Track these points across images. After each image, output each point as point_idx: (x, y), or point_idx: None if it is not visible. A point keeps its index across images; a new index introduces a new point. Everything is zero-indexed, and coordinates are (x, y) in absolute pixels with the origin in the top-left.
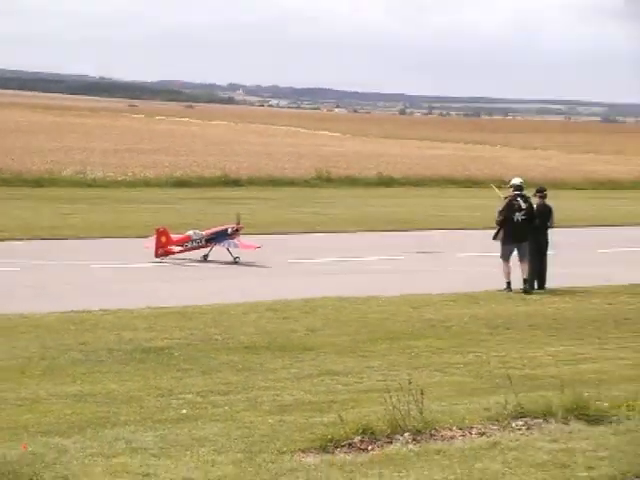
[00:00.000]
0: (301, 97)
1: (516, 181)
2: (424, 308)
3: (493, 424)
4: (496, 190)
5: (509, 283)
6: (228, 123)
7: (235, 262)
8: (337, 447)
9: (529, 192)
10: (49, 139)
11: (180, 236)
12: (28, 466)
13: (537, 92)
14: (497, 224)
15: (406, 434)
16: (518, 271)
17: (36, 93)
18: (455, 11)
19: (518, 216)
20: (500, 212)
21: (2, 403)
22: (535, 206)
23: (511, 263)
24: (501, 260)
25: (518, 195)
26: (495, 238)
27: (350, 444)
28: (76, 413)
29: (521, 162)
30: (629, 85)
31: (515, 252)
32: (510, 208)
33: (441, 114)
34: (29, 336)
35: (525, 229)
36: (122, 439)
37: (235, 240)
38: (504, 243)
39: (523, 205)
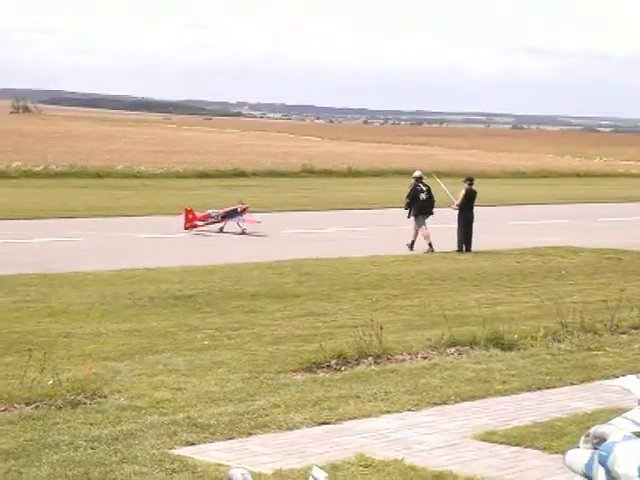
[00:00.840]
0: (291, 111)
1: (417, 173)
2: (382, 266)
3: (433, 350)
4: (446, 190)
5: (430, 244)
6: (237, 131)
7: (243, 233)
8: (319, 368)
9: (459, 180)
10: (106, 143)
11: (202, 214)
12: (92, 383)
13: (464, 106)
14: (406, 205)
15: (369, 358)
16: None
17: (97, 109)
18: (405, 50)
19: (422, 196)
20: (408, 196)
21: (72, 337)
22: (465, 191)
23: (423, 229)
24: (417, 228)
25: (420, 182)
26: (409, 216)
27: (328, 366)
28: (127, 344)
29: (452, 158)
30: (531, 101)
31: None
32: (416, 191)
33: (394, 123)
34: (92, 287)
35: (429, 204)
36: (160, 363)
37: (243, 216)
38: (417, 216)
39: (424, 188)
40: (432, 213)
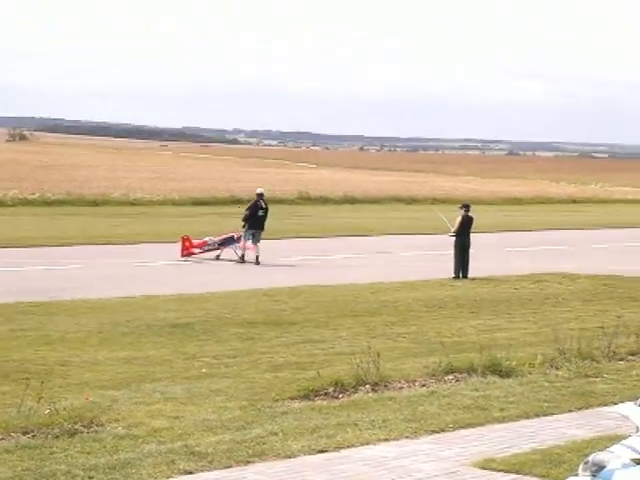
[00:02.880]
0: (287, 138)
1: (259, 190)
2: (379, 293)
3: (431, 378)
4: (443, 218)
5: (243, 256)
6: (233, 158)
7: (240, 261)
8: (316, 395)
9: (455, 207)
10: (102, 171)
11: (199, 241)
12: (89, 412)
13: (460, 133)
14: (245, 218)
15: (367, 386)
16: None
17: (94, 137)
18: (400, 76)
19: (260, 212)
20: (247, 209)
21: (69, 365)
22: (461, 217)
23: (249, 242)
24: (244, 239)
25: (261, 199)
26: (244, 226)
27: (326, 393)
28: (124, 372)
29: (448, 185)
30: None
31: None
32: (255, 207)
33: (390, 150)
34: (89, 315)
35: (263, 221)
36: (158, 391)
37: (240, 244)
38: (248, 229)
39: (263, 205)
40: (263, 229)
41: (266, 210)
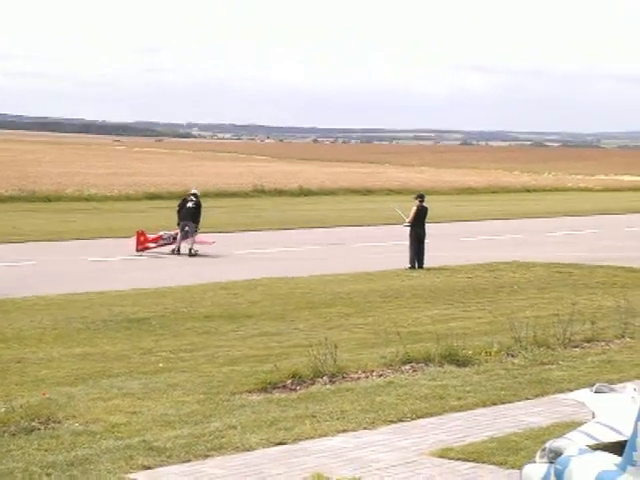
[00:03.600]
0: (240, 131)
1: (193, 191)
2: (335, 284)
3: (388, 368)
4: (397, 210)
5: (178, 249)
6: (187, 152)
7: (195, 254)
8: (274, 388)
9: (410, 198)
10: (56, 166)
11: (154, 236)
12: (46, 409)
13: (413, 123)
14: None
15: (325, 377)
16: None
17: (46, 133)
18: (352, 67)
19: (189, 204)
20: (179, 204)
21: (25, 362)
22: (416, 208)
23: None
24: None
25: (192, 194)
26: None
27: (284, 386)
28: (80, 368)
29: (402, 175)
30: (480, 118)
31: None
32: (183, 200)
33: (344, 142)
34: (43, 312)
35: (193, 213)
36: (115, 387)
37: (195, 238)
38: (179, 222)
39: (194, 199)
40: (194, 222)
41: (197, 203)
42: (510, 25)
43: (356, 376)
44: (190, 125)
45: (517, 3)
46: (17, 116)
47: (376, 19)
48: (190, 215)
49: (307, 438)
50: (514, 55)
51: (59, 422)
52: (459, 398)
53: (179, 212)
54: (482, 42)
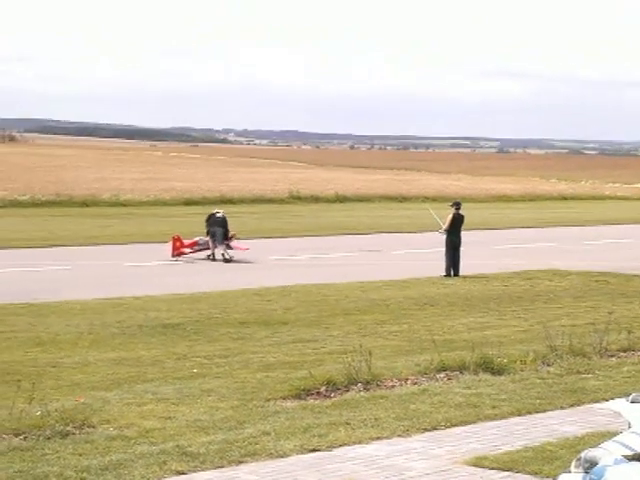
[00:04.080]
0: (277, 137)
1: (217, 211)
2: (370, 291)
3: (422, 376)
4: (434, 215)
5: (212, 255)
6: (224, 158)
7: (230, 260)
8: (308, 395)
9: (446, 205)
10: (92, 172)
11: (190, 241)
12: (81, 413)
13: (450, 131)
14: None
15: (359, 384)
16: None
17: (84, 138)
18: (388, 74)
19: (218, 215)
20: (207, 216)
21: (61, 367)
22: (452, 215)
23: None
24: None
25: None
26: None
27: (318, 392)
28: (115, 373)
29: (438, 183)
30: (516, 125)
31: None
32: (211, 214)
33: (380, 148)
34: (79, 317)
35: (221, 222)
36: (149, 392)
37: (231, 243)
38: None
39: (220, 211)
40: (223, 228)
41: (224, 218)
42: (543, 29)
43: (390, 383)
44: (226, 131)
45: (552, 7)
46: (54, 120)
47: (410, 26)
48: (218, 223)
49: (341, 445)
50: (548, 60)
51: (94, 426)
52: (494, 407)
53: (207, 221)
54: (514, 47)
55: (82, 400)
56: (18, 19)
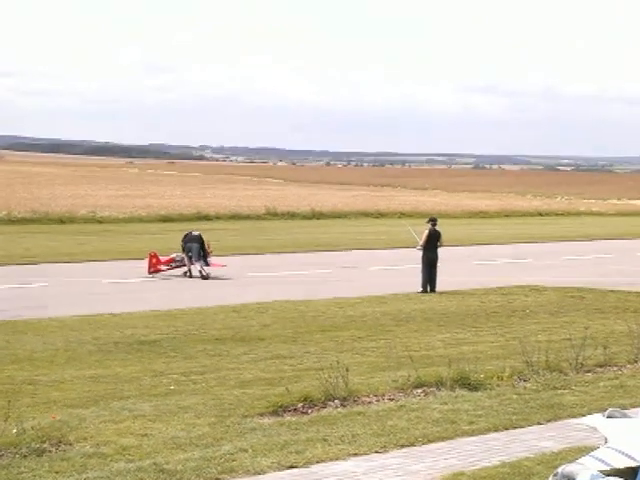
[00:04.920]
0: (253, 154)
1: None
2: (346, 307)
3: (399, 392)
4: (411, 231)
5: (188, 272)
6: (200, 175)
7: (207, 277)
8: (285, 411)
9: (422, 221)
10: (69, 189)
11: (166, 258)
12: (57, 430)
13: (425, 147)
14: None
15: (336, 401)
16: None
17: (60, 155)
18: (363, 90)
19: (194, 233)
20: (184, 235)
21: (37, 384)
22: (428, 231)
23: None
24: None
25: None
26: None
27: (295, 409)
28: (92, 390)
29: (415, 199)
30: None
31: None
32: (188, 232)
33: (356, 165)
34: (56, 334)
35: (197, 239)
36: (126, 409)
37: (208, 259)
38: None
39: (197, 232)
40: (198, 243)
41: (201, 237)
42: (520, 46)
43: (368, 400)
44: (203, 147)
45: (529, 23)
46: (28, 137)
47: (388, 40)
48: (193, 240)
49: (318, 462)
50: (524, 76)
51: (70, 444)
52: (471, 422)
53: (183, 239)
54: (490, 63)
55: (57, 418)
56: None
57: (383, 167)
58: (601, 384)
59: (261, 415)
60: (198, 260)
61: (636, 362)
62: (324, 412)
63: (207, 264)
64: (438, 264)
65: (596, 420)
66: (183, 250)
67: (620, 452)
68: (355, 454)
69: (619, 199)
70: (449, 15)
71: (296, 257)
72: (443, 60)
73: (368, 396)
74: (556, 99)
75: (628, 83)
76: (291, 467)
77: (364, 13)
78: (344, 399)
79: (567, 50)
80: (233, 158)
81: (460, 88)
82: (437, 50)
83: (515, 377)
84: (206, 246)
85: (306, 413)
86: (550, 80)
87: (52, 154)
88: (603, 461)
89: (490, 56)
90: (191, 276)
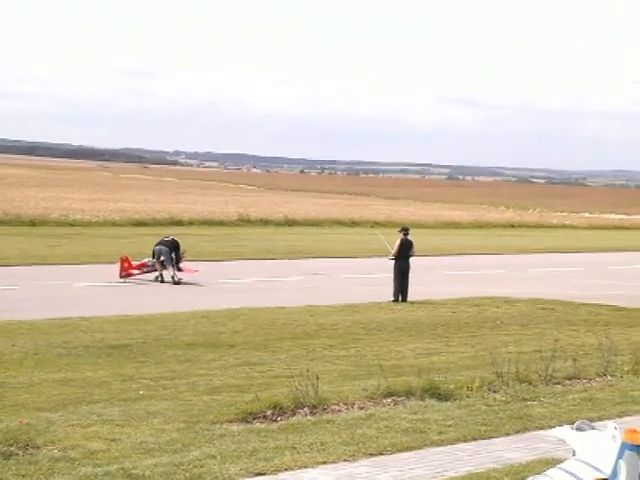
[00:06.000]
0: (227, 160)
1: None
2: (318, 315)
3: (369, 401)
4: (383, 240)
5: (160, 276)
6: (174, 179)
7: (179, 282)
8: (255, 418)
9: (395, 231)
10: (41, 191)
11: (138, 262)
12: (25, 434)
13: (399, 156)
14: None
15: (305, 408)
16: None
17: (34, 157)
18: (339, 98)
19: (166, 238)
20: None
21: (5, 387)
22: (400, 241)
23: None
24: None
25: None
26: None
27: (264, 416)
28: (61, 394)
29: (388, 208)
30: (466, 152)
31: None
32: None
33: (330, 173)
34: (25, 337)
35: (169, 243)
36: (95, 413)
37: (180, 265)
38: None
39: (171, 236)
40: (169, 248)
41: (174, 241)
42: (496, 58)
43: (337, 408)
44: (177, 152)
45: (504, 35)
46: (1, 139)
47: (362, 52)
48: (164, 244)
49: (287, 469)
50: (500, 89)
51: (38, 447)
52: (440, 432)
53: (156, 245)
54: (466, 75)
55: (25, 422)
56: None
57: (357, 176)
58: (570, 396)
59: (230, 422)
60: (170, 265)
61: (605, 375)
62: (293, 420)
63: (179, 269)
64: (410, 274)
65: (565, 432)
66: (153, 255)
67: (588, 464)
68: (324, 462)
69: (591, 212)
70: (429, 26)
71: (269, 264)
72: (420, 71)
73: (338, 404)
74: (532, 112)
75: (604, 98)
76: (259, 474)
77: (343, 23)
78: (314, 407)
79: (546, 64)
80: (207, 164)
81: (437, 99)
82: (415, 60)
83: (485, 388)
84: (181, 251)
85: (275, 420)
86: (526, 94)
87: (26, 156)
88: (571, 473)
89: (468, 68)
90: (163, 281)
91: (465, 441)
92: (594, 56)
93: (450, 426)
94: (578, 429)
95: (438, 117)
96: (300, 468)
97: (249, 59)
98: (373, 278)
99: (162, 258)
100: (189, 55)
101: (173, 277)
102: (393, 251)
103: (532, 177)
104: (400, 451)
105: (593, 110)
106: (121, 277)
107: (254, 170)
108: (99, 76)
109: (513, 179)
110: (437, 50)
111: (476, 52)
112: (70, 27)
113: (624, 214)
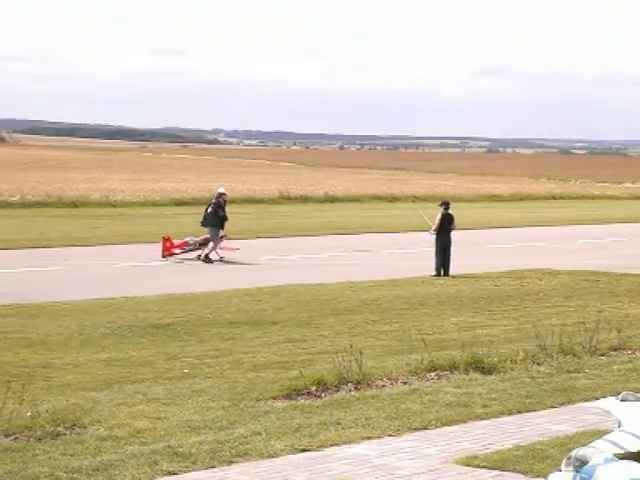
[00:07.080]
0: (267, 138)
1: (220, 189)
2: (360, 291)
3: (413, 375)
4: (423, 215)
5: (207, 255)
6: (214, 158)
7: (221, 260)
8: (299, 395)
9: (435, 205)
10: (82, 172)
11: (180, 241)
12: (71, 414)
13: (439, 131)
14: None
15: (349, 384)
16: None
17: (74, 139)
18: (376, 74)
19: (209, 209)
20: (206, 208)
21: (51, 367)
22: (440, 215)
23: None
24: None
25: (218, 198)
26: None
27: (308, 392)
28: (106, 374)
29: (428, 182)
30: (505, 124)
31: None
32: (207, 206)
33: (370, 149)
34: (70, 317)
35: (212, 219)
36: (140, 392)
37: (221, 244)
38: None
39: (213, 201)
40: (215, 226)
41: (216, 205)
42: (533, 28)
43: (381, 383)
44: (216, 131)
45: (542, 6)
46: (42, 121)
47: (399, 27)
48: (208, 221)
49: (331, 445)
50: (537, 59)
51: (84, 427)
52: (484, 406)
53: (203, 217)
54: (504, 46)
55: (72, 401)
56: (3, 17)
57: (397, 151)
58: (615, 367)
59: (274, 398)
60: (214, 242)
61: None
62: (337, 396)
63: (220, 248)
64: (452, 248)
65: (610, 403)
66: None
67: (634, 435)
68: (368, 437)
69: (633, 182)
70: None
71: (310, 241)
72: (458, 44)
73: (382, 379)
74: (571, 82)
75: None
76: (304, 450)
77: None
78: (357, 383)
79: (585, 32)
80: (246, 142)
81: (475, 72)
82: (452, 33)
83: (529, 360)
84: (221, 233)
85: (319, 397)
86: (566, 63)
87: (67, 138)
88: (617, 444)
89: (506, 39)
90: (206, 259)
91: (510, 414)
92: (631, 22)
93: (494, 399)
94: (623, 400)
95: (476, 90)
96: (345, 443)
97: (286, 37)
98: (415, 253)
99: (207, 235)
100: (223, 35)
101: (208, 255)
102: (434, 226)
103: (573, 148)
104: (444, 425)
105: (630, 78)
106: (163, 256)
107: (293, 147)
108: (135, 56)
109: (554, 150)
110: (474, 22)
111: (514, 22)
112: (102, 6)
113: None
